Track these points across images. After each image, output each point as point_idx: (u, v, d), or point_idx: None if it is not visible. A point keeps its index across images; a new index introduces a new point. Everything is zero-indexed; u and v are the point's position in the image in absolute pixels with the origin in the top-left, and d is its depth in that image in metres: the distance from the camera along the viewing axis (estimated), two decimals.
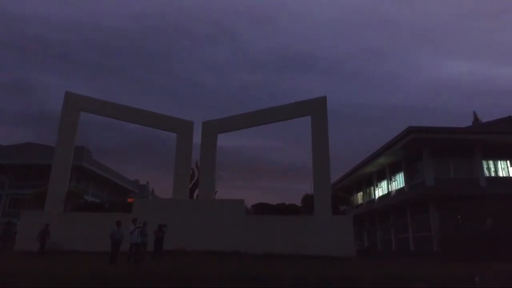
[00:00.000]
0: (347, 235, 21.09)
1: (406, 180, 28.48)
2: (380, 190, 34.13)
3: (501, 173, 25.93)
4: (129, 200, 63.05)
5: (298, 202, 23.51)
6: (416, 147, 25.68)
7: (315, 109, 23.75)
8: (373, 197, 35.49)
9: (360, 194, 39.70)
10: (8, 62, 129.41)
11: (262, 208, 22.39)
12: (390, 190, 31.52)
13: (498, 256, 16.30)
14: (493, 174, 25.75)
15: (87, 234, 20.45)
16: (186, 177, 23.99)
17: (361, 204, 38.72)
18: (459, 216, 19.30)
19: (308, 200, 22.90)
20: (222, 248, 20.23)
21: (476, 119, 72.41)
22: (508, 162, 26.29)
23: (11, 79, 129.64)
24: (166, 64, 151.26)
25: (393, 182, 31.07)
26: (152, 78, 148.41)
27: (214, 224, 21.21)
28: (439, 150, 25.41)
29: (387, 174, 31.98)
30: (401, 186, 29.47)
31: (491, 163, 25.97)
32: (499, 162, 26.11)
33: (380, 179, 34.09)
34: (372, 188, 35.68)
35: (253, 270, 11.97)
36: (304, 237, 20.86)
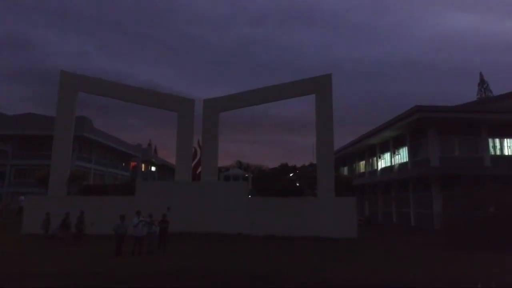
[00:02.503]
0: (349, 217, 21.25)
1: (410, 155, 28.25)
2: (383, 161, 34.04)
3: (506, 152, 25.66)
4: (132, 163, 63.75)
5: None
6: (422, 125, 25.22)
7: (320, 88, 23.05)
8: (375, 167, 35.48)
9: (362, 163, 39.71)
10: (4, 17, 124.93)
11: (265, 190, 22.42)
12: (393, 164, 31.42)
13: (500, 243, 16.50)
14: (498, 152, 25.47)
15: (92, 217, 20.64)
16: (188, 156, 23.76)
17: (364, 173, 38.85)
18: (461, 201, 19.24)
19: (312, 178, 22.91)
20: (225, 230, 20.54)
21: (482, 80, 71.49)
22: None
23: (8, 35, 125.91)
24: (165, 19, 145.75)
25: (397, 156, 30.89)
26: (152, 33, 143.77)
27: (218, 207, 21.39)
28: (445, 128, 24.98)
29: (391, 147, 31.71)
30: (405, 160, 29.30)
31: (497, 141, 25.62)
32: (505, 140, 25.73)
33: (383, 151, 33.87)
34: (375, 158, 35.58)
35: (255, 264, 12.27)
36: (306, 219, 21.07)
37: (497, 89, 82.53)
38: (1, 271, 11.40)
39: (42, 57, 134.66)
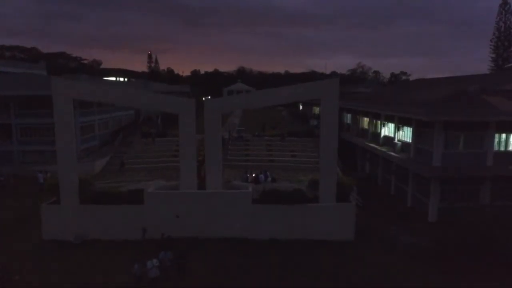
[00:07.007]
0: (347, 221, 22.57)
1: (414, 138, 28.08)
2: (387, 129, 33.89)
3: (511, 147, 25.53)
4: None
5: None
6: (428, 120, 24.68)
7: (326, 91, 22.33)
8: (379, 131, 35.43)
9: (366, 120, 39.39)
10: None
11: (269, 197, 23.11)
12: (396, 139, 31.34)
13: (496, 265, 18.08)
14: (502, 148, 25.34)
15: (106, 224, 22.23)
16: (192, 155, 23.90)
17: (367, 131, 38.85)
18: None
19: (314, 183, 23.55)
20: (231, 235, 22.16)
21: (504, 1, 68.71)
22: None
23: None
24: None
25: (401, 132, 30.69)
26: None
27: (223, 213, 22.53)
28: (452, 124, 24.53)
29: (396, 121, 31.31)
30: (408, 140, 29.24)
31: (503, 136, 25.27)
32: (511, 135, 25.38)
33: (388, 120, 33.46)
34: (379, 122, 35.28)
35: None
36: (307, 224, 22.44)
37: None
38: None
39: None
